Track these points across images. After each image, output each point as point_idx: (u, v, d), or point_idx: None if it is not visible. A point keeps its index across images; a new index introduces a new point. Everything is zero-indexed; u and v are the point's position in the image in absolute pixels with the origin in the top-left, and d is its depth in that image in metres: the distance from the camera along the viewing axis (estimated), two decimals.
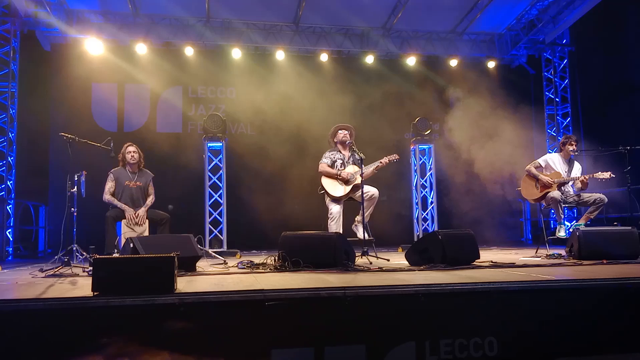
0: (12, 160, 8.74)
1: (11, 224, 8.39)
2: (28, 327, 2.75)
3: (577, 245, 5.11)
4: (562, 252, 5.62)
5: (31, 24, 9.00)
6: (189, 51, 9.74)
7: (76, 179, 5.39)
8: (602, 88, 9.98)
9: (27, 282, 3.95)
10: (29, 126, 9.11)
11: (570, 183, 6.36)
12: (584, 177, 6.16)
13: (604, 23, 9.59)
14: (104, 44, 9.41)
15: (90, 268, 3.46)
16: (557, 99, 10.96)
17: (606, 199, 6.07)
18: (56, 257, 5.15)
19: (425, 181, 9.39)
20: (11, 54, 8.71)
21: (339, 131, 6.53)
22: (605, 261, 4.77)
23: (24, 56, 9.04)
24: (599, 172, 6.15)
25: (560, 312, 3.22)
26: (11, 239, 8.36)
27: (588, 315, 3.25)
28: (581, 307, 3.26)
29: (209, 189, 8.37)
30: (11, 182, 8.69)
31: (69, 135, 5.57)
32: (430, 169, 9.36)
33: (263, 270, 4.47)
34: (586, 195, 6.20)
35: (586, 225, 6.04)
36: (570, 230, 6.05)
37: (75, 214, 5.36)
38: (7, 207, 8.38)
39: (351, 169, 6.35)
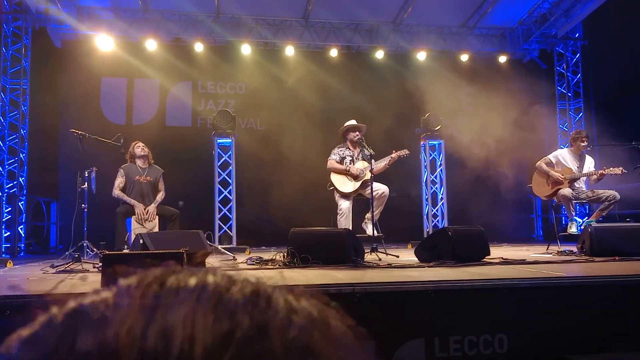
0: (23, 156, 8.79)
1: (23, 220, 8.46)
2: None
3: (589, 242, 5.06)
4: (574, 248, 5.57)
5: (42, 20, 9.03)
6: (199, 47, 9.75)
7: (86, 175, 5.42)
8: (615, 83, 9.84)
9: (38, 278, 3.99)
10: (39, 122, 9.16)
11: (583, 179, 6.28)
12: (597, 173, 6.07)
13: (618, 16, 9.46)
14: (114, 40, 9.44)
15: (100, 264, 3.47)
16: (569, 94, 10.83)
17: (619, 196, 5.95)
18: (67, 253, 5.18)
19: (435, 177, 9.32)
20: (23, 51, 8.75)
21: (352, 132, 6.48)
22: (617, 258, 4.72)
23: (35, 53, 9.06)
24: (611, 168, 6.06)
25: (571, 310, 3.19)
26: (23, 235, 8.42)
27: (599, 312, 3.22)
28: (592, 304, 3.23)
29: (219, 185, 8.37)
30: (23, 178, 8.74)
31: (80, 132, 5.59)
32: (440, 164, 9.28)
33: (272, 267, 4.49)
34: (599, 192, 6.11)
35: (598, 222, 5.96)
36: (582, 226, 5.97)
37: (85, 210, 5.40)
38: (19, 203, 8.44)
39: (360, 165, 6.32)
